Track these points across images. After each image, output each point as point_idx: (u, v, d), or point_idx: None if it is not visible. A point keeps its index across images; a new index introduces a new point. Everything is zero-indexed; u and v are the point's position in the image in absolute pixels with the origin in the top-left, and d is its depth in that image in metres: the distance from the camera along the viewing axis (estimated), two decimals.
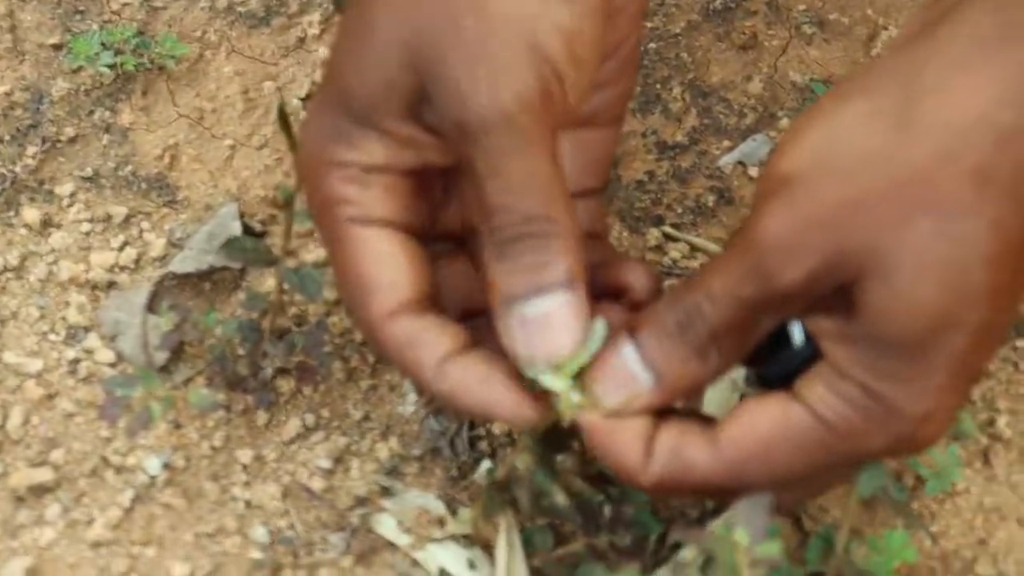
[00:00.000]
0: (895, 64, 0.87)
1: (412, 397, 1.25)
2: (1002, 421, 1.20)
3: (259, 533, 1.19)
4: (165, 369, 1.27)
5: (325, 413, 1.25)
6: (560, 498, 1.06)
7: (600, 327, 0.91)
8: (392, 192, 0.95)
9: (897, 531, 1.09)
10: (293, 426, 1.24)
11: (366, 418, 1.25)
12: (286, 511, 1.20)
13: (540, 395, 0.93)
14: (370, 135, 0.93)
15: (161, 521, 1.20)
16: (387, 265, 0.94)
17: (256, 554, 1.18)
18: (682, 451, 0.92)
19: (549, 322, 0.90)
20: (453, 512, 1.19)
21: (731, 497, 0.93)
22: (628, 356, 0.92)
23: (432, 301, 0.97)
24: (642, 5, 1.01)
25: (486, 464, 1.19)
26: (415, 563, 1.18)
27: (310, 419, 1.24)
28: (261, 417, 1.24)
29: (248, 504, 1.20)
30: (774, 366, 0.93)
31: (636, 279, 0.98)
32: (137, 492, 1.20)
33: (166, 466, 1.22)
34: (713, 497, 1.02)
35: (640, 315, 0.94)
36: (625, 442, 0.93)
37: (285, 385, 1.26)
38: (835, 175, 0.85)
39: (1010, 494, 1.18)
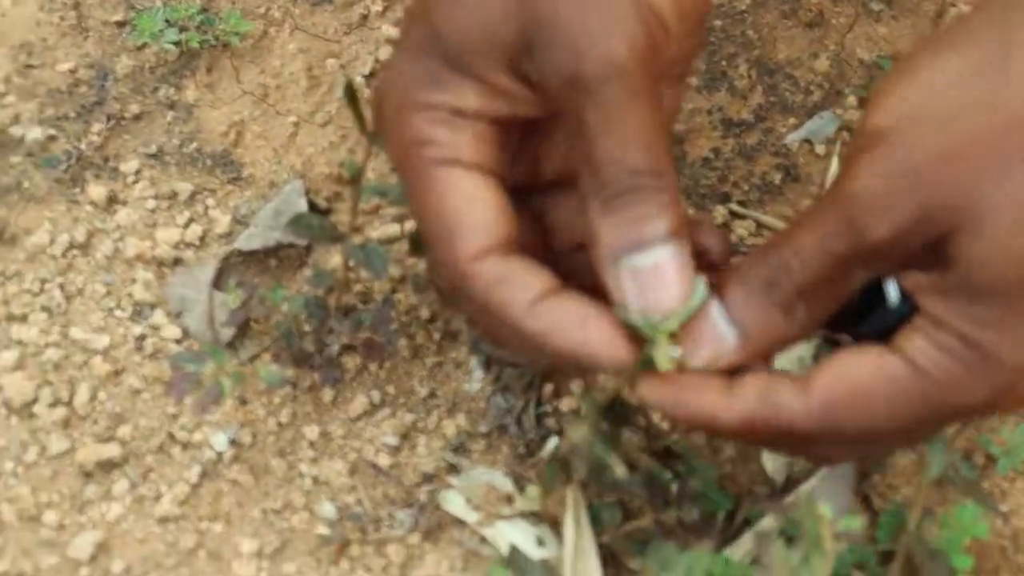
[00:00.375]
0: (987, 18, 0.86)
1: (479, 374, 1.25)
2: None
3: (326, 509, 1.19)
4: (231, 346, 1.27)
5: (391, 390, 1.25)
6: (620, 470, 1.05)
7: (701, 283, 0.90)
8: (481, 139, 0.93)
9: (968, 507, 1.08)
10: (359, 403, 1.23)
11: (432, 395, 1.24)
12: (353, 487, 1.20)
13: (635, 339, 0.92)
14: (464, 80, 0.92)
15: (228, 497, 1.20)
16: (476, 206, 0.92)
17: (323, 530, 1.18)
18: (771, 394, 0.90)
19: (660, 274, 0.89)
20: (521, 489, 1.19)
21: (815, 452, 0.92)
22: (715, 313, 0.91)
23: (519, 247, 0.96)
24: None
25: (553, 441, 1.18)
26: (483, 540, 1.17)
27: (376, 396, 1.24)
28: (327, 394, 1.24)
29: (315, 480, 1.20)
30: (869, 325, 0.92)
31: (712, 242, 0.97)
32: (204, 468, 1.20)
33: (233, 442, 1.22)
34: (795, 451, 0.99)
35: (725, 273, 0.93)
36: (706, 387, 0.92)
37: (351, 362, 1.26)
38: (929, 127, 0.84)
39: None
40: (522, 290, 0.92)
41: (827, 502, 0.87)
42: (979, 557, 1.13)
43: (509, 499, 1.19)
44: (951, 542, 1.08)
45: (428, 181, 0.93)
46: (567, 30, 0.87)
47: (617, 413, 1.08)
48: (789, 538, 0.93)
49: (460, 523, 1.18)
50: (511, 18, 0.89)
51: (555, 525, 1.16)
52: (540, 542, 1.16)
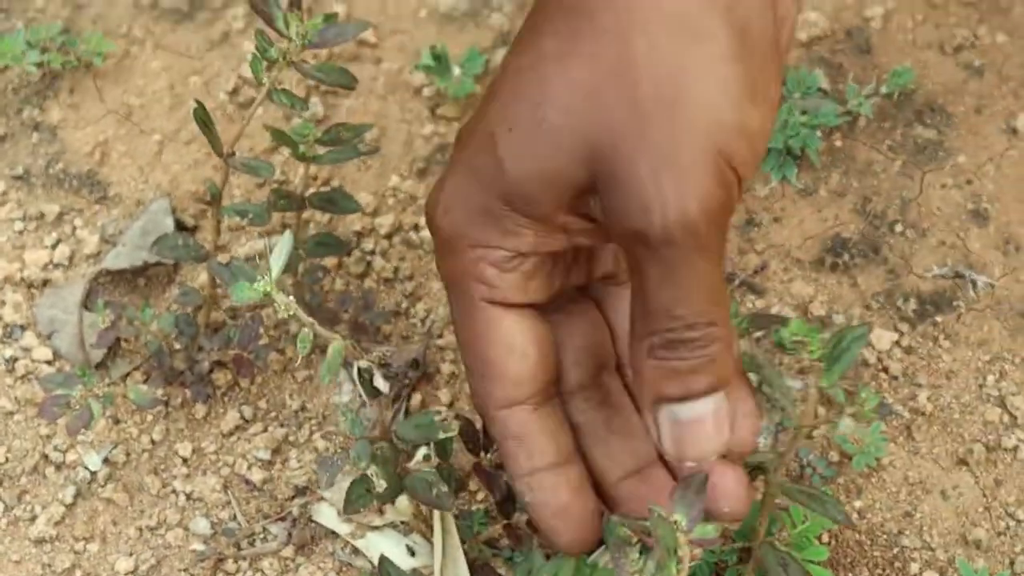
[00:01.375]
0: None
1: (348, 387, 1.27)
2: (923, 396, 1.23)
3: (201, 525, 1.21)
4: (102, 365, 1.28)
5: (262, 404, 1.27)
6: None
7: None
8: (533, 275, 0.94)
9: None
10: (231, 418, 1.25)
11: (303, 408, 1.26)
12: (227, 502, 1.22)
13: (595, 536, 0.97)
14: (523, 221, 0.91)
15: (103, 516, 1.21)
16: (516, 357, 0.94)
17: (198, 546, 1.20)
18: None
19: (699, 427, 0.90)
20: (392, 501, 1.21)
21: None
22: None
23: (553, 389, 0.98)
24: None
25: (422, 451, 1.20)
26: (356, 551, 1.20)
27: (248, 411, 1.26)
28: (199, 410, 1.26)
29: (189, 496, 1.22)
30: None
31: (734, 442, 0.95)
32: (78, 488, 1.22)
33: (106, 461, 1.23)
34: None
35: None
36: None
37: (222, 378, 1.27)
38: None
39: (933, 467, 1.21)
40: (528, 458, 0.97)
41: (682, 510, 0.89)
42: (836, 552, 1.17)
43: (380, 511, 1.21)
44: (805, 535, 1.11)
45: (473, 316, 0.94)
46: (637, 186, 0.84)
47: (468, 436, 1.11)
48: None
49: (333, 535, 1.20)
50: (581, 164, 0.87)
51: (426, 535, 1.18)
52: (411, 552, 1.19)
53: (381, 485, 1.07)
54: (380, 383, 0.99)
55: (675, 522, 0.89)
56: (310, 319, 0.96)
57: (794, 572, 1.05)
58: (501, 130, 0.90)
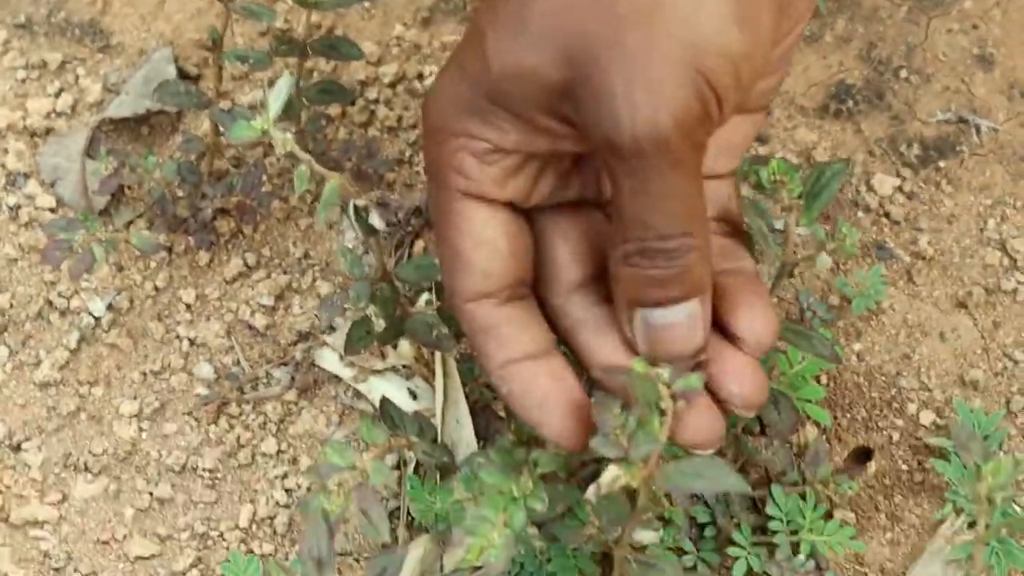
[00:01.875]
0: None
1: (351, 234, 1.27)
2: (924, 240, 1.24)
3: (204, 370, 1.22)
4: (106, 213, 1.29)
5: (266, 252, 1.27)
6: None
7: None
8: (514, 173, 0.93)
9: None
10: (235, 265, 1.26)
11: (306, 255, 1.27)
12: (230, 348, 1.23)
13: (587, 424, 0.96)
14: (506, 117, 0.90)
15: (107, 361, 1.22)
16: (484, 249, 0.93)
17: (202, 390, 1.21)
18: None
19: (672, 331, 0.91)
20: (394, 345, 1.22)
21: None
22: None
23: (525, 289, 0.97)
24: None
25: (425, 296, 1.21)
26: (358, 395, 1.21)
27: (251, 258, 1.26)
28: (203, 257, 1.26)
29: (192, 342, 1.23)
30: None
31: (750, 329, 0.94)
32: (83, 334, 1.23)
33: (111, 307, 1.24)
34: None
35: None
36: None
37: (225, 225, 1.28)
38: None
39: (933, 310, 1.21)
40: (500, 348, 0.94)
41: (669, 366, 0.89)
42: (834, 393, 1.18)
43: (383, 355, 1.22)
44: (802, 375, 1.12)
45: (449, 208, 0.94)
46: (610, 94, 0.83)
47: None
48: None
49: (335, 379, 1.22)
50: (561, 66, 0.86)
51: (428, 378, 1.20)
52: (413, 395, 1.20)
53: (380, 325, 1.08)
54: (376, 221, 0.99)
55: (657, 375, 0.89)
56: (307, 156, 0.96)
57: (785, 409, 1.06)
58: (489, 28, 0.89)
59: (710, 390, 0.92)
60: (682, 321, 0.89)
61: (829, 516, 1.12)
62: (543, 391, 0.94)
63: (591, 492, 0.94)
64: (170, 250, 1.26)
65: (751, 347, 0.93)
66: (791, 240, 0.93)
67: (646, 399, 0.89)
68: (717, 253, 0.95)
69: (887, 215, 1.25)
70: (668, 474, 0.91)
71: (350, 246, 1.26)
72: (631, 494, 0.96)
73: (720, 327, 0.94)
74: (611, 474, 0.89)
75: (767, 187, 0.89)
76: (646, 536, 0.99)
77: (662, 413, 0.89)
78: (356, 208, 0.99)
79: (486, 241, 0.93)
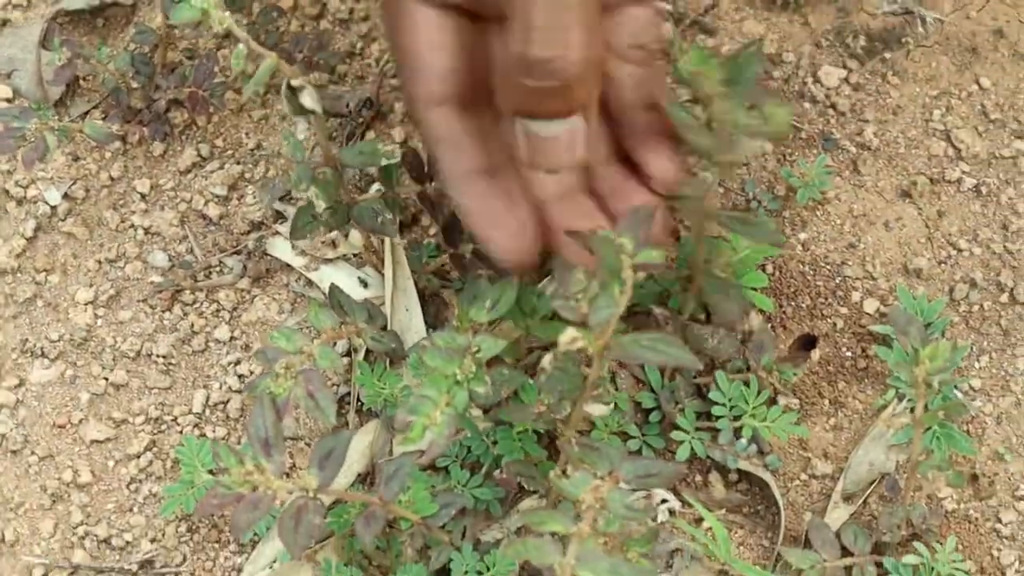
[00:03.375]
0: None
1: (303, 125, 1.28)
2: (870, 131, 1.25)
3: (158, 258, 1.23)
4: (61, 104, 1.29)
5: (219, 143, 1.28)
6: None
7: None
8: None
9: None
10: (188, 156, 1.27)
11: (259, 147, 1.28)
12: (184, 237, 1.24)
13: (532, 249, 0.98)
14: None
15: (63, 249, 1.24)
16: (440, 52, 0.94)
17: (156, 278, 1.22)
18: None
19: (552, 144, 0.92)
20: (345, 235, 1.23)
21: None
22: None
23: (483, 104, 0.98)
24: None
25: (375, 187, 1.22)
26: (310, 283, 1.22)
27: (204, 149, 1.27)
28: (157, 148, 1.27)
29: (147, 231, 1.24)
30: None
31: (657, 167, 0.98)
32: (39, 222, 1.24)
33: (66, 197, 1.25)
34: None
35: None
36: None
37: (179, 117, 1.29)
38: None
39: (878, 200, 1.23)
40: (456, 158, 0.96)
41: (629, 234, 0.90)
42: (779, 282, 1.20)
43: (334, 244, 1.23)
44: (745, 262, 1.13)
45: (400, 11, 0.95)
46: None
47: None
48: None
49: (287, 268, 1.23)
50: None
51: (378, 267, 1.21)
52: (363, 283, 1.21)
53: (321, 206, 1.09)
54: (309, 101, 0.99)
55: (620, 244, 0.90)
56: (245, 35, 0.96)
57: (735, 297, 1.07)
58: None
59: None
60: (561, 135, 0.92)
61: (773, 402, 1.14)
62: (496, 210, 0.97)
63: (546, 360, 0.96)
64: (124, 140, 1.27)
65: (658, 183, 0.97)
66: (723, 133, 0.93)
67: (608, 265, 0.91)
68: (631, 83, 0.97)
69: (833, 106, 1.26)
70: (624, 345, 0.93)
71: (302, 137, 1.27)
72: (583, 375, 0.98)
73: (628, 162, 0.97)
74: (569, 335, 0.90)
75: (686, 78, 0.91)
76: (598, 409, 1.00)
77: (622, 283, 0.91)
78: (290, 86, 0.99)
79: (439, 44, 0.95)
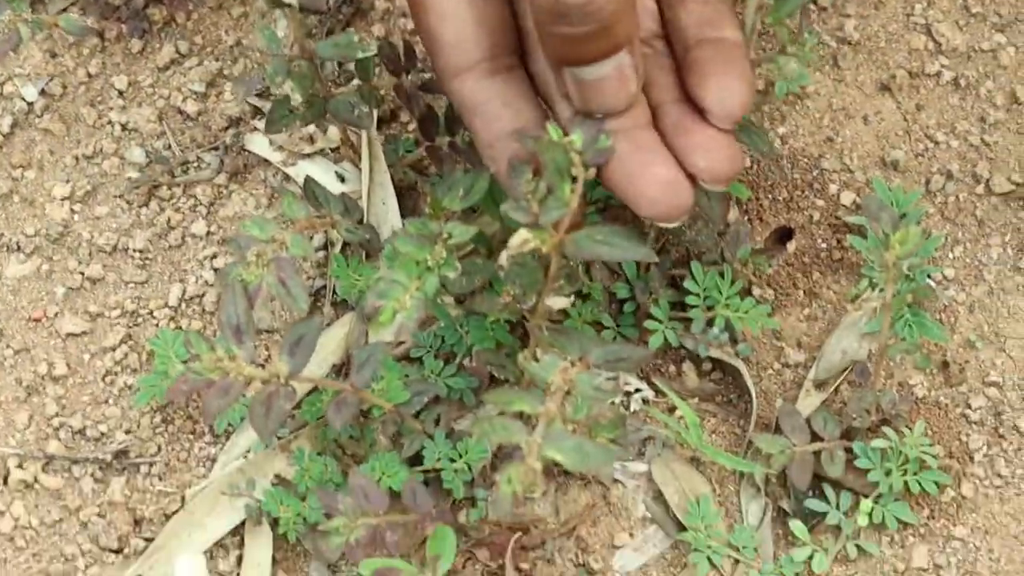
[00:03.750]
0: None
1: (283, 23, 1.28)
2: (851, 25, 1.24)
3: (136, 154, 1.23)
4: (40, 1, 1.29)
5: (198, 39, 1.28)
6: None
7: None
8: None
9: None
10: (167, 52, 1.27)
11: (238, 44, 1.28)
12: (162, 133, 1.24)
13: None
14: None
15: (40, 145, 1.24)
16: (451, 22, 0.94)
17: (133, 174, 1.22)
18: None
19: (602, 85, 0.90)
20: (324, 129, 1.23)
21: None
22: None
23: (511, 60, 0.97)
24: None
25: (355, 82, 1.22)
26: (287, 178, 1.22)
27: (183, 45, 1.27)
28: (135, 45, 1.27)
29: (124, 127, 1.24)
30: None
31: (718, 100, 0.94)
32: (15, 118, 1.24)
33: (43, 93, 1.25)
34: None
35: None
36: None
37: (158, 13, 1.28)
38: None
39: (857, 94, 1.22)
40: (485, 126, 0.95)
41: (578, 131, 0.90)
42: (756, 175, 1.19)
43: (311, 139, 1.23)
44: None
45: None
46: None
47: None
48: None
49: (265, 163, 1.23)
50: None
51: (355, 162, 1.21)
52: (341, 178, 1.21)
53: (297, 100, 1.09)
54: None
55: (568, 143, 0.90)
56: None
57: (716, 196, 1.07)
58: None
59: (680, 163, 0.93)
60: (610, 74, 0.90)
61: (748, 293, 1.15)
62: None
63: (502, 257, 0.96)
64: (102, 37, 1.27)
65: (718, 118, 0.94)
66: (749, 33, 0.93)
67: (556, 165, 0.90)
68: (696, 22, 0.96)
69: (815, 1, 1.25)
70: (578, 241, 0.93)
71: (282, 34, 1.27)
72: (544, 264, 0.98)
73: (691, 99, 0.95)
74: (520, 237, 0.91)
75: None
76: (559, 302, 1.00)
77: (573, 180, 0.91)
78: None
79: (450, 14, 0.94)
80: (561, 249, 0.94)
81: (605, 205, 1.17)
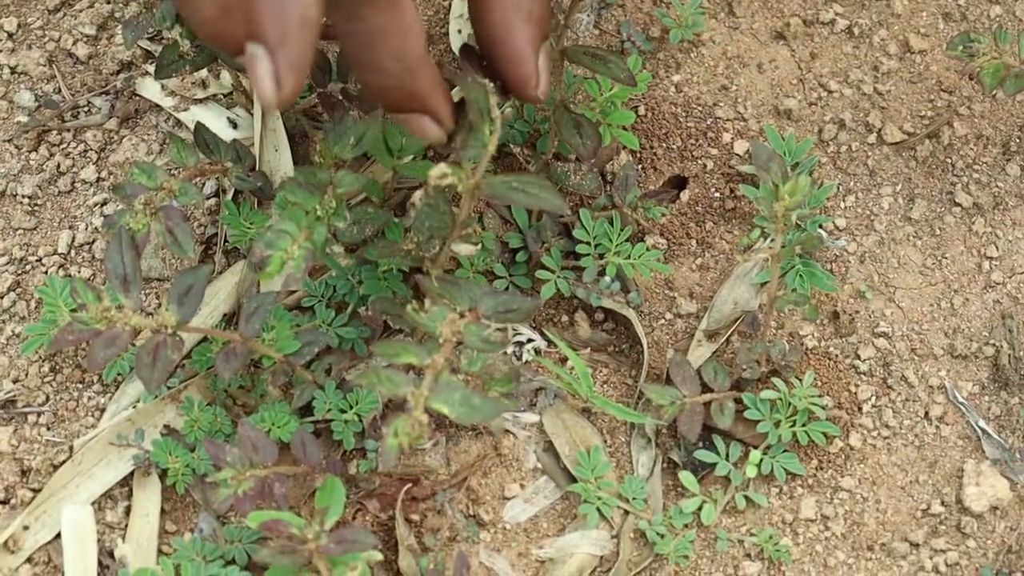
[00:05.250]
0: None
1: None
2: None
3: (25, 98, 1.21)
4: None
5: None
6: None
7: None
8: None
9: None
10: None
11: None
12: (52, 76, 1.22)
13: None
14: None
15: None
16: None
17: (22, 118, 1.20)
18: None
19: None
20: (216, 75, 1.22)
21: None
22: None
23: None
24: None
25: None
26: (179, 124, 1.21)
27: None
28: None
29: (13, 70, 1.22)
30: None
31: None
32: None
33: None
34: None
35: None
36: None
37: None
38: None
39: (752, 42, 1.22)
40: None
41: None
42: (651, 124, 1.19)
43: (204, 84, 1.22)
44: (612, 100, 1.12)
45: None
46: None
47: None
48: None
49: (157, 108, 1.21)
50: None
51: (248, 108, 1.20)
52: (233, 124, 1.20)
53: (186, 45, 1.08)
54: None
55: (488, 85, 0.90)
56: None
57: (588, 132, 1.07)
58: None
59: None
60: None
61: (640, 240, 1.15)
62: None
63: (417, 196, 0.96)
64: None
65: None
66: None
67: (478, 106, 0.91)
68: None
69: None
70: (494, 185, 0.94)
71: None
72: (453, 213, 0.98)
73: None
74: (439, 170, 0.90)
75: None
76: (465, 249, 1.00)
77: (492, 122, 0.91)
78: None
79: None
80: (476, 191, 0.94)
81: (498, 152, 1.16)
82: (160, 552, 1.08)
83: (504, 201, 1.04)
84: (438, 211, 0.99)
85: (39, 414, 1.12)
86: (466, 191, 0.94)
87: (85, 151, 1.20)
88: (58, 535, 1.08)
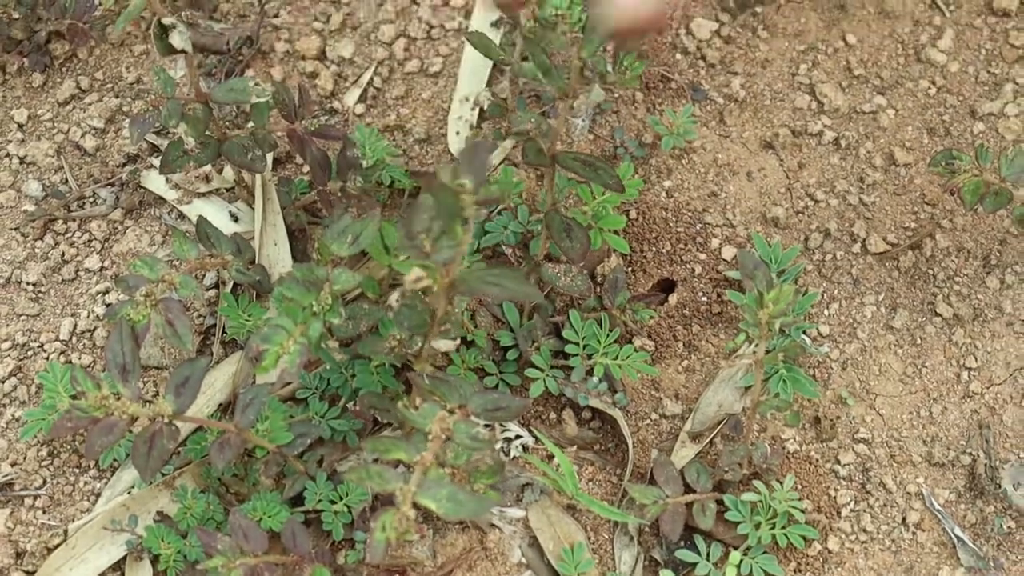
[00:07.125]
0: None
1: (182, 62, 1.29)
2: (737, 83, 1.27)
3: (33, 188, 1.24)
4: None
5: (99, 75, 1.29)
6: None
7: None
8: None
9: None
10: (67, 87, 1.28)
11: (139, 81, 1.29)
12: (59, 167, 1.25)
13: None
14: None
15: None
16: None
17: (29, 207, 1.23)
18: None
19: None
20: (219, 170, 1.25)
21: None
22: None
23: None
24: None
25: (251, 125, 1.24)
26: (182, 216, 1.24)
27: (84, 81, 1.29)
28: (36, 79, 1.28)
29: (22, 160, 1.25)
30: None
31: None
32: None
33: None
34: None
35: None
36: None
37: (60, 48, 1.30)
38: None
39: (742, 150, 1.25)
40: None
41: (468, 174, 0.92)
42: (641, 227, 1.22)
43: (207, 178, 1.25)
44: (604, 205, 1.15)
45: None
46: None
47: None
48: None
49: (161, 200, 1.24)
50: None
51: (249, 202, 1.23)
52: (234, 217, 1.23)
53: (191, 142, 1.11)
54: (178, 40, 1.01)
55: (460, 184, 0.92)
56: None
57: (577, 236, 1.10)
58: None
59: None
60: None
61: (628, 342, 1.17)
62: None
63: (392, 297, 0.98)
64: (4, 70, 1.28)
65: None
66: (574, 72, 0.96)
67: (448, 208, 0.93)
68: None
69: (703, 58, 1.29)
70: (468, 280, 0.96)
71: (181, 73, 1.29)
72: (432, 308, 1.00)
73: None
74: (415, 273, 0.92)
75: (549, 21, 0.93)
76: (444, 345, 1.03)
77: (464, 222, 0.93)
78: (161, 25, 1.01)
79: None
80: (451, 289, 0.96)
81: (493, 253, 1.19)
82: None
83: (480, 295, 1.06)
84: (415, 310, 1.01)
85: (36, 497, 1.14)
86: (440, 290, 0.96)
87: (89, 241, 1.23)
88: None
